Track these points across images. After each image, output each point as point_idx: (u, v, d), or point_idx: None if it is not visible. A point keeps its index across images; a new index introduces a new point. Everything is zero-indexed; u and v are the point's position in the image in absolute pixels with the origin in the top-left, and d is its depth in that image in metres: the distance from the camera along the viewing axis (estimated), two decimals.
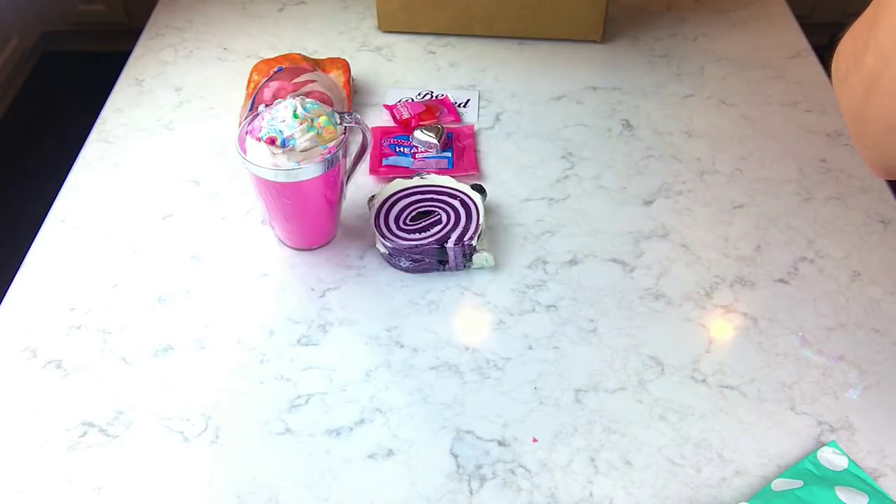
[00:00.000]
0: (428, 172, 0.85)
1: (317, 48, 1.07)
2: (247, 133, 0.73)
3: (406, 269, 0.78)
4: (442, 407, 0.68)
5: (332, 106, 0.86)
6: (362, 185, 0.86)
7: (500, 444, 0.65)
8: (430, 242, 0.76)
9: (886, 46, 0.47)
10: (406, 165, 0.87)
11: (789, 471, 0.62)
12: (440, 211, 0.79)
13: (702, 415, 0.67)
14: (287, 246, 0.81)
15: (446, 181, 0.82)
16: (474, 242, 0.76)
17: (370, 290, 0.77)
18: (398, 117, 0.93)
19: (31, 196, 1.19)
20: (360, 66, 1.03)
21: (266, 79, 0.90)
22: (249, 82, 0.94)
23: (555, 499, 0.62)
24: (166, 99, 0.99)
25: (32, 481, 0.63)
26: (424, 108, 0.94)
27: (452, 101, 0.97)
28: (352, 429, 0.66)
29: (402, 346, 0.72)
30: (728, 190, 0.87)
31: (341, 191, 0.78)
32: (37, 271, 0.79)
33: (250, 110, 0.86)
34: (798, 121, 0.96)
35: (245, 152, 0.72)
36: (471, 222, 0.78)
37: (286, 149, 0.70)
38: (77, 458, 0.64)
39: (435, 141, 0.88)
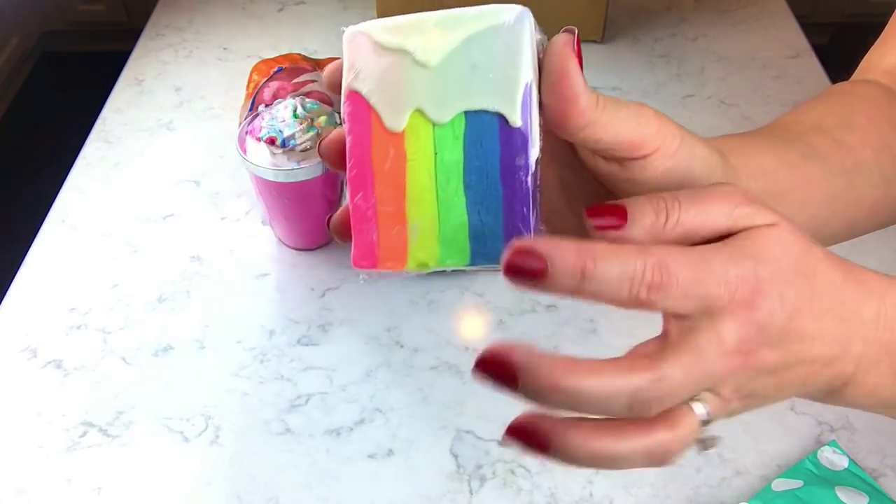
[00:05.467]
0: None
1: (317, 48, 1.06)
2: (247, 133, 0.73)
3: None
4: (442, 407, 0.68)
5: (332, 106, 0.86)
6: None
7: (501, 443, 0.65)
8: None
9: None
10: None
11: (789, 471, 0.62)
12: None
13: None
14: (287, 246, 0.81)
15: None
16: None
17: (370, 289, 0.77)
18: None
19: (31, 196, 1.19)
20: None
21: (266, 79, 0.89)
22: (249, 82, 0.94)
23: (555, 499, 0.62)
24: (166, 99, 0.99)
25: (32, 481, 0.63)
26: None
27: None
28: (352, 429, 0.66)
29: (402, 346, 0.72)
30: None
31: (341, 191, 0.78)
32: (37, 271, 0.79)
33: (250, 110, 0.85)
34: None
35: (245, 152, 0.72)
36: None
37: (286, 149, 0.70)
38: (77, 458, 0.64)
39: None
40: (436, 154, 0.32)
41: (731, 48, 1.07)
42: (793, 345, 0.31)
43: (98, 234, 0.83)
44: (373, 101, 0.32)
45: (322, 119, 0.72)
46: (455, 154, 0.32)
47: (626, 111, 0.33)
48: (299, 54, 0.97)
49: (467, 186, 0.32)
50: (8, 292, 0.77)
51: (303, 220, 0.78)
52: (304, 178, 0.71)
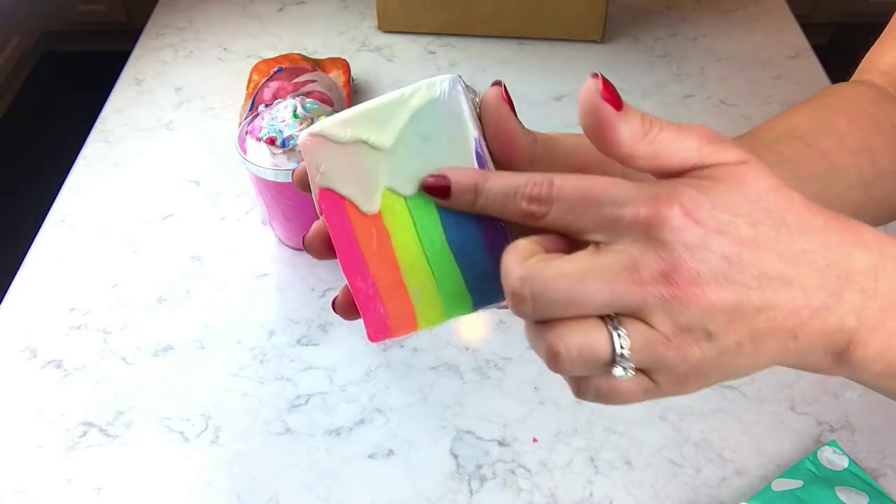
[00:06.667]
0: None
1: (317, 48, 1.07)
2: (247, 133, 0.73)
3: None
4: (442, 407, 0.68)
5: (332, 106, 0.86)
6: None
7: (500, 444, 0.65)
8: None
9: None
10: None
11: (789, 471, 0.62)
12: None
13: (702, 415, 0.67)
14: (287, 246, 0.81)
15: None
16: None
17: None
18: None
19: (31, 196, 1.19)
20: (360, 66, 1.03)
21: (266, 79, 0.89)
22: (249, 82, 0.94)
23: (555, 499, 0.62)
24: (166, 99, 0.99)
25: (32, 481, 0.63)
26: None
27: None
28: (352, 429, 0.66)
29: (402, 346, 0.72)
30: None
31: None
32: (37, 271, 0.79)
33: (250, 110, 0.85)
34: None
35: (245, 152, 0.72)
36: None
37: (286, 149, 0.70)
38: (77, 458, 0.64)
39: None
40: (415, 223, 0.35)
41: (731, 48, 1.07)
42: (752, 282, 0.29)
43: (98, 234, 0.83)
44: (344, 192, 0.35)
45: (322, 119, 0.72)
46: (432, 218, 0.35)
47: (564, 143, 0.36)
48: (299, 54, 0.97)
49: (451, 243, 0.35)
50: (8, 292, 0.77)
51: (303, 220, 0.78)
52: None
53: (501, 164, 0.35)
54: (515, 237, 0.34)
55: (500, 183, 0.33)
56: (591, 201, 0.30)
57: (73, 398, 0.68)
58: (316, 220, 0.37)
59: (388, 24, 1.09)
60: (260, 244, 0.81)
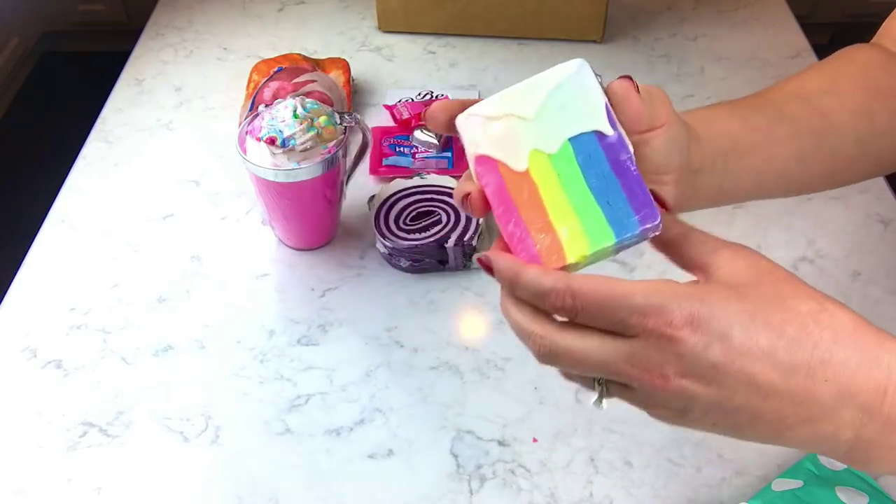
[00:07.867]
0: (428, 172, 0.85)
1: (317, 48, 1.07)
2: (247, 133, 0.73)
3: (406, 269, 0.78)
4: (442, 407, 0.68)
5: (332, 106, 0.86)
6: (362, 185, 0.86)
7: (500, 444, 0.65)
8: (429, 242, 0.76)
9: None
10: (406, 165, 0.87)
11: (789, 471, 0.62)
12: (440, 211, 0.79)
13: None
14: (287, 246, 0.81)
15: (446, 181, 0.82)
16: (474, 242, 0.76)
17: (370, 290, 0.77)
18: (398, 117, 0.93)
19: (31, 196, 1.19)
20: (360, 66, 1.03)
21: (266, 79, 0.90)
22: (249, 82, 0.94)
23: (555, 499, 0.62)
24: (166, 99, 0.99)
25: (32, 481, 0.63)
26: (424, 108, 0.94)
27: None
28: (352, 429, 0.66)
29: (402, 346, 0.72)
30: None
31: (341, 191, 0.78)
32: (37, 271, 0.79)
33: (250, 110, 0.85)
34: None
35: (245, 152, 0.72)
36: (471, 222, 0.77)
37: (286, 149, 0.70)
38: (77, 458, 0.64)
39: (435, 141, 0.88)
40: (558, 175, 0.41)
41: (731, 48, 1.07)
42: (738, 387, 0.33)
43: (98, 234, 0.83)
44: (497, 156, 0.42)
45: (322, 119, 0.72)
46: (573, 169, 0.41)
47: (656, 101, 0.44)
48: (299, 54, 0.97)
49: (591, 188, 0.41)
50: (8, 292, 0.77)
51: (303, 220, 0.78)
52: (304, 178, 0.71)
53: (625, 125, 0.42)
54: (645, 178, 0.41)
55: (530, 287, 0.38)
56: (608, 310, 0.35)
57: (73, 398, 0.69)
58: (460, 182, 0.44)
59: (388, 24, 1.09)
60: (260, 244, 0.81)
